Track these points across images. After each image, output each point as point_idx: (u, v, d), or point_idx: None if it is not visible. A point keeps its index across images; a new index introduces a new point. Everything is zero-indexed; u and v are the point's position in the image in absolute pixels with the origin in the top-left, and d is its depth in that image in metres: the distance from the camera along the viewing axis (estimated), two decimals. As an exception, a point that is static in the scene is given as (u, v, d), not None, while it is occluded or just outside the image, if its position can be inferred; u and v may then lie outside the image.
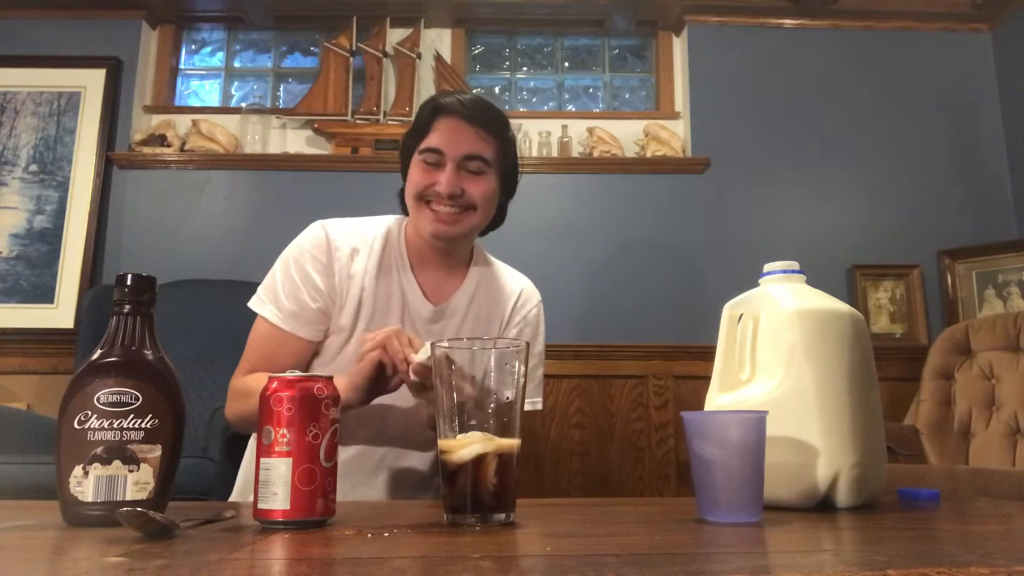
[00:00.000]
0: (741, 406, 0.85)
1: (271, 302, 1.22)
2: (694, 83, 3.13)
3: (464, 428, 0.72)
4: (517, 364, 0.73)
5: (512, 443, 0.72)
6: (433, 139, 1.22)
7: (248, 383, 1.20)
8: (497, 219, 1.32)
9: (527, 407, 1.32)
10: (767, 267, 0.95)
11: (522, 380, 0.74)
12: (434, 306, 1.27)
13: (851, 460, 0.82)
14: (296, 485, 0.67)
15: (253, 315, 1.23)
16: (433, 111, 1.24)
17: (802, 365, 0.84)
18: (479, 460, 0.70)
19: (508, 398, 0.73)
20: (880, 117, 3.10)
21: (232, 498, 1.26)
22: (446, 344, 0.75)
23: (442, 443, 0.73)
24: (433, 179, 1.21)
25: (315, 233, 1.26)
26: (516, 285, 1.38)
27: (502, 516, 0.71)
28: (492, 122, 1.24)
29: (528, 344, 0.76)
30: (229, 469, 1.90)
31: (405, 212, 1.30)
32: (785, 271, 0.93)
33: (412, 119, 1.31)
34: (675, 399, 2.77)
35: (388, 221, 1.31)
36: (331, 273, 1.22)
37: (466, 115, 1.21)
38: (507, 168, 1.28)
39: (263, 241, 2.85)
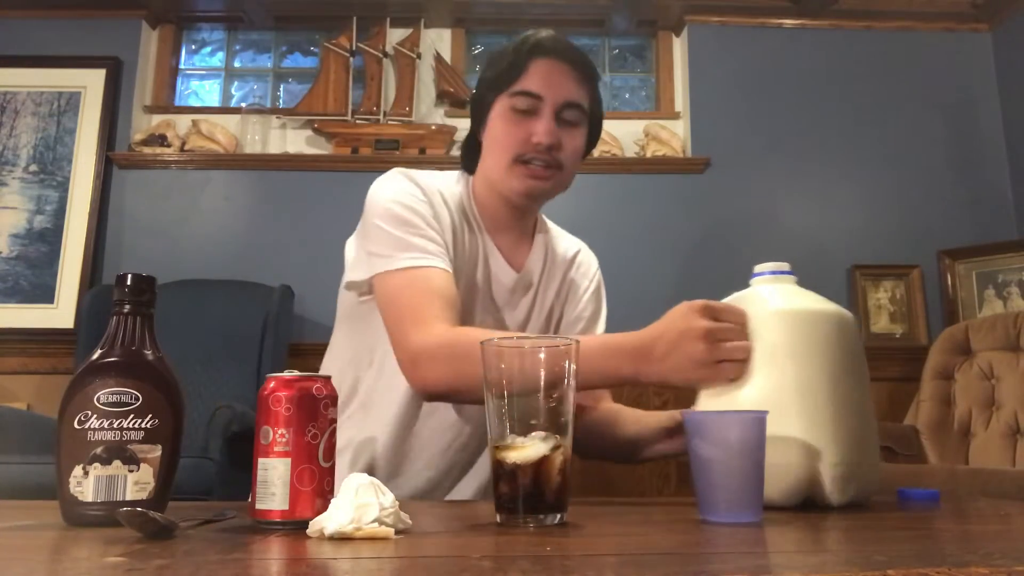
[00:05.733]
0: (727, 407, 0.85)
1: (403, 252, 1.03)
2: (694, 83, 3.13)
3: (525, 429, 0.71)
4: (569, 363, 0.73)
5: (569, 442, 0.72)
6: (529, 81, 1.07)
7: (470, 335, 0.94)
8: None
9: None
10: (757, 268, 0.95)
11: (573, 380, 0.73)
12: (516, 273, 1.16)
13: (833, 459, 0.82)
14: (295, 485, 0.67)
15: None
16: (531, 49, 1.08)
17: (784, 365, 0.84)
18: (542, 461, 0.69)
19: (562, 397, 0.72)
20: (880, 117, 3.10)
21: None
22: (498, 342, 0.73)
23: (502, 443, 0.71)
24: (529, 130, 1.07)
25: (395, 178, 1.11)
26: (574, 246, 1.29)
27: (558, 516, 0.70)
28: (589, 66, 1.11)
29: (577, 341, 0.73)
30: (229, 469, 1.91)
31: (470, 169, 1.18)
32: (775, 272, 0.93)
33: (495, 66, 1.12)
34: (675, 399, 2.77)
35: (455, 176, 1.19)
36: (431, 206, 1.08)
37: (567, 56, 1.08)
38: (596, 122, 1.17)
39: (263, 241, 2.86)
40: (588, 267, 1.29)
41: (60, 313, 2.80)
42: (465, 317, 1.09)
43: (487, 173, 1.15)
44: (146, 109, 3.10)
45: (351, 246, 1.16)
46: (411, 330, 0.99)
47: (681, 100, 3.19)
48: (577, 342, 0.73)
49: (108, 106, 2.97)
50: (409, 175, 1.12)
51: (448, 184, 1.16)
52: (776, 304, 0.89)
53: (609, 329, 2.91)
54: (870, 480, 0.88)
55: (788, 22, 3.18)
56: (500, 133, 1.10)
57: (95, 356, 0.72)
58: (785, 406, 0.82)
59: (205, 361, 2.40)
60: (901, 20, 3.17)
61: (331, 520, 0.60)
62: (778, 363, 0.85)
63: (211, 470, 1.90)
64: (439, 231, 1.08)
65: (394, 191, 1.10)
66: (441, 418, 1.12)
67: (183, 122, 3.05)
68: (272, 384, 0.71)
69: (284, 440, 0.68)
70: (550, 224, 1.28)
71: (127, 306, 0.73)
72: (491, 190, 1.15)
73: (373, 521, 0.60)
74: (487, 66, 1.16)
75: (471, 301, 1.12)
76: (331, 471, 0.71)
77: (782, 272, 0.93)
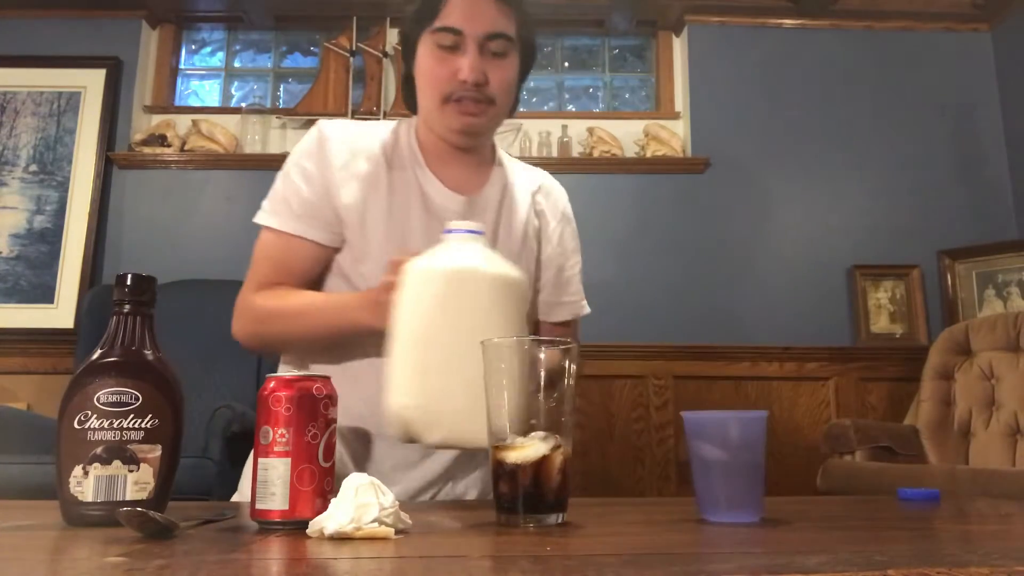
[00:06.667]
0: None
1: (272, 211, 1.10)
2: (694, 83, 3.13)
3: (525, 428, 0.71)
4: (568, 362, 0.73)
5: (570, 442, 0.72)
6: (449, 16, 1.05)
7: (269, 304, 1.08)
8: (513, 106, 1.16)
9: (582, 312, 1.30)
10: (452, 224, 0.93)
11: (573, 380, 0.73)
12: (464, 197, 1.12)
13: (410, 400, 0.88)
14: (295, 485, 0.67)
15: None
16: None
17: (398, 314, 0.90)
18: (542, 461, 0.69)
19: (562, 397, 0.72)
20: (880, 117, 3.10)
21: (236, 498, 1.23)
22: (498, 343, 0.73)
23: (501, 443, 0.71)
24: (453, 67, 1.05)
25: (310, 132, 1.13)
26: (538, 177, 1.25)
27: (558, 516, 0.70)
28: None
29: (576, 345, 0.74)
30: (229, 469, 1.91)
31: (412, 108, 1.16)
32: (468, 231, 0.92)
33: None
34: (675, 399, 2.77)
35: (393, 123, 1.17)
36: (330, 167, 1.09)
37: None
38: (528, 45, 1.14)
39: (263, 241, 2.86)
40: (559, 197, 1.26)
41: (60, 313, 2.80)
42: (406, 233, 1.09)
43: (422, 112, 1.13)
44: (146, 109, 3.10)
45: None
46: (244, 285, 1.12)
47: (681, 100, 3.19)
48: (577, 342, 0.74)
49: (108, 106, 2.97)
50: (323, 130, 1.12)
51: (383, 130, 1.16)
52: (420, 261, 0.92)
53: (611, 328, 2.91)
54: (466, 429, 0.88)
55: (788, 22, 3.18)
56: (427, 71, 1.08)
57: (95, 356, 0.72)
58: (391, 351, 0.89)
59: (205, 361, 2.40)
60: (901, 20, 3.17)
61: (331, 520, 0.60)
62: (398, 313, 0.90)
63: (211, 470, 1.90)
64: (325, 190, 1.08)
65: (298, 149, 1.13)
66: None
67: (183, 122, 3.05)
68: (272, 384, 0.71)
69: (284, 440, 0.68)
70: (507, 157, 1.24)
71: (127, 306, 0.73)
72: (429, 129, 1.13)
73: (373, 521, 0.60)
74: (409, 0, 1.13)
75: (408, 232, 1.09)
76: (331, 471, 0.71)
77: (472, 232, 0.92)
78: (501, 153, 1.24)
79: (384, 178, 1.11)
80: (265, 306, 1.09)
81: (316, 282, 1.14)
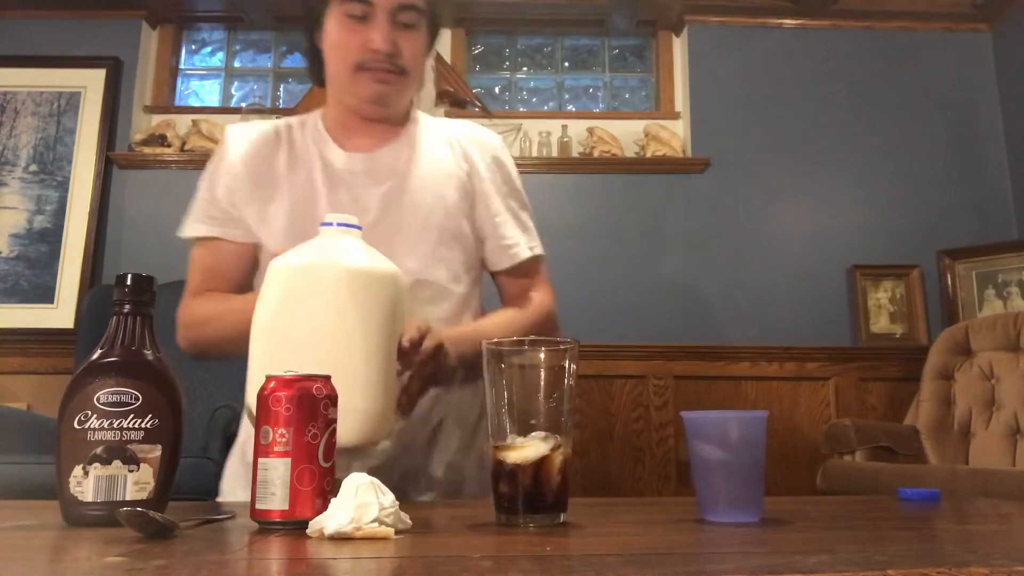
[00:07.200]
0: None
1: (190, 220, 1.15)
2: (694, 83, 3.13)
3: (525, 429, 0.71)
4: (568, 362, 0.73)
5: (570, 442, 0.72)
6: None
7: (196, 310, 1.12)
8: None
9: (522, 255, 1.19)
10: (328, 217, 0.92)
11: (572, 380, 0.72)
12: (363, 154, 1.12)
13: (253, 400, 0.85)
14: (295, 485, 0.67)
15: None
16: None
17: (256, 311, 0.89)
18: (542, 461, 0.69)
19: (562, 397, 0.72)
20: (880, 117, 3.10)
21: (220, 497, 1.20)
22: (498, 343, 0.73)
23: (501, 443, 0.71)
24: (364, 37, 1.04)
25: (218, 144, 1.16)
26: (463, 125, 1.22)
27: (558, 516, 0.70)
28: None
29: (577, 341, 0.73)
30: (229, 469, 1.91)
31: (318, 80, 1.15)
32: (342, 224, 0.90)
33: None
34: (675, 399, 2.77)
35: (303, 116, 1.18)
36: (226, 161, 1.12)
37: None
38: (434, 17, 1.12)
39: (263, 241, 2.85)
40: (484, 143, 1.21)
41: (60, 313, 2.80)
42: (312, 210, 1.08)
43: (331, 84, 1.12)
44: (146, 109, 3.10)
45: None
46: (181, 301, 1.16)
47: (681, 100, 3.19)
48: (577, 343, 0.73)
49: (108, 106, 2.97)
50: (226, 132, 1.16)
51: (292, 119, 1.17)
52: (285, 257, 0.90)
53: (611, 328, 2.90)
54: (383, 426, 0.88)
55: (788, 22, 3.18)
56: (337, 41, 1.07)
57: (95, 356, 0.72)
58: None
59: (205, 361, 2.40)
60: (901, 20, 3.17)
61: (331, 520, 0.60)
62: (259, 309, 0.89)
63: (211, 470, 1.90)
64: (227, 187, 1.11)
65: (212, 159, 1.16)
66: None
67: (183, 122, 3.05)
68: (272, 384, 0.71)
69: (284, 440, 0.68)
70: (428, 117, 1.22)
71: (127, 306, 0.73)
72: (338, 102, 1.13)
73: (373, 521, 0.60)
74: None
75: (312, 210, 1.08)
76: (331, 471, 0.71)
77: (347, 224, 0.90)
78: (418, 114, 1.21)
79: (284, 159, 1.11)
80: (193, 313, 1.12)
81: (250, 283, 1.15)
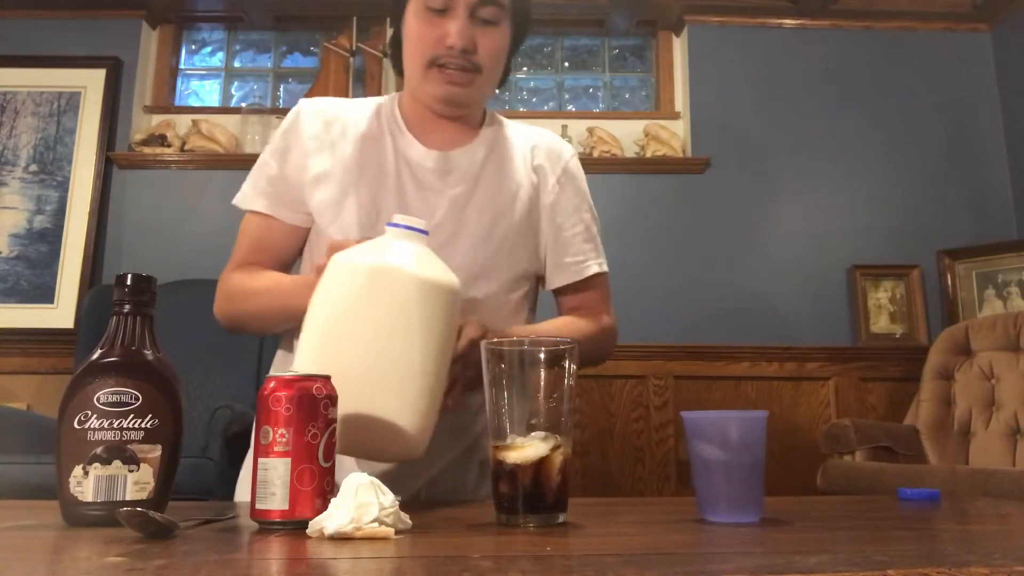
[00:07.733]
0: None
1: (244, 190, 1.13)
2: (694, 83, 3.13)
3: (526, 428, 0.71)
4: (568, 362, 0.73)
5: (570, 442, 0.72)
6: None
7: (238, 282, 1.09)
8: (503, 76, 1.13)
9: (585, 272, 1.16)
10: (396, 218, 0.87)
11: (572, 381, 0.72)
12: (440, 152, 1.09)
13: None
14: (295, 485, 0.67)
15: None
16: None
17: (312, 305, 0.86)
18: (542, 461, 0.69)
19: (562, 397, 0.72)
20: (880, 117, 3.10)
21: (237, 498, 1.21)
22: (499, 342, 0.73)
23: (501, 443, 0.71)
24: (441, 31, 1.01)
25: (288, 117, 1.13)
26: (538, 133, 1.20)
27: (558, 516, 0.70)
28: None
29: (577, 341, 0.73)
30: (229, 469, 1.91)
31: (401, 70, 1.12)
32: (411, 228, 0.86)
33: None
34: (675, 399, 2.77)
35: (379, 99, 1.16)
36: (301, 138, 1.09)
37: None
38: (521, 14, 1.09)
39: (263, 241, 2.85)
40: (558, 154, 1.20)
41: (60, 313, 2.80)
42: (380, 202, 1.06)
43: (407, 77, 1.11)
44: (146, 109, 3.10)
45: None
46: (226, 268, 1.13)
47: (681, 100, 3.19)
48: (576, 343, 0.73)
49: (108, 106, 2.97)
50: (300, 105, 1.13)
51: (364, 103, 1.14)
52: (407, 265, 0.84)
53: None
54: (354, 439, 0.83)
55: (788, 22, 3.18)
56: (413, 34, 1.05)
57: (95, 356, 0.72)
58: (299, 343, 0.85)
59: (205, 361, 2.40)
60: (901, 20, 3.17)
61: (331, 520, 0.60)
62: (315, 304, 0.85)
63: (211, 470, 1.90)
64: (295, 164, 1.08)
65: (277, 132, 1.14)
66: None
67: (183, 122, 3.05)
68: (272, 384, 0.71)
69: (284, 440, 0.68)
70: (506, 120, 1.20)
71: (127, 306, 0.73)
72: (413, 96, 1.11)
73: (373, 521, 0.60)
74: None
75: (381, 188, 1.07)
76: (331, 471, 0.71)
77: (415, 229, 0.86)
78: (497, 116, 1.19)
79: (359, 144, 1.09)
80: (236, 285, 1.10)
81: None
